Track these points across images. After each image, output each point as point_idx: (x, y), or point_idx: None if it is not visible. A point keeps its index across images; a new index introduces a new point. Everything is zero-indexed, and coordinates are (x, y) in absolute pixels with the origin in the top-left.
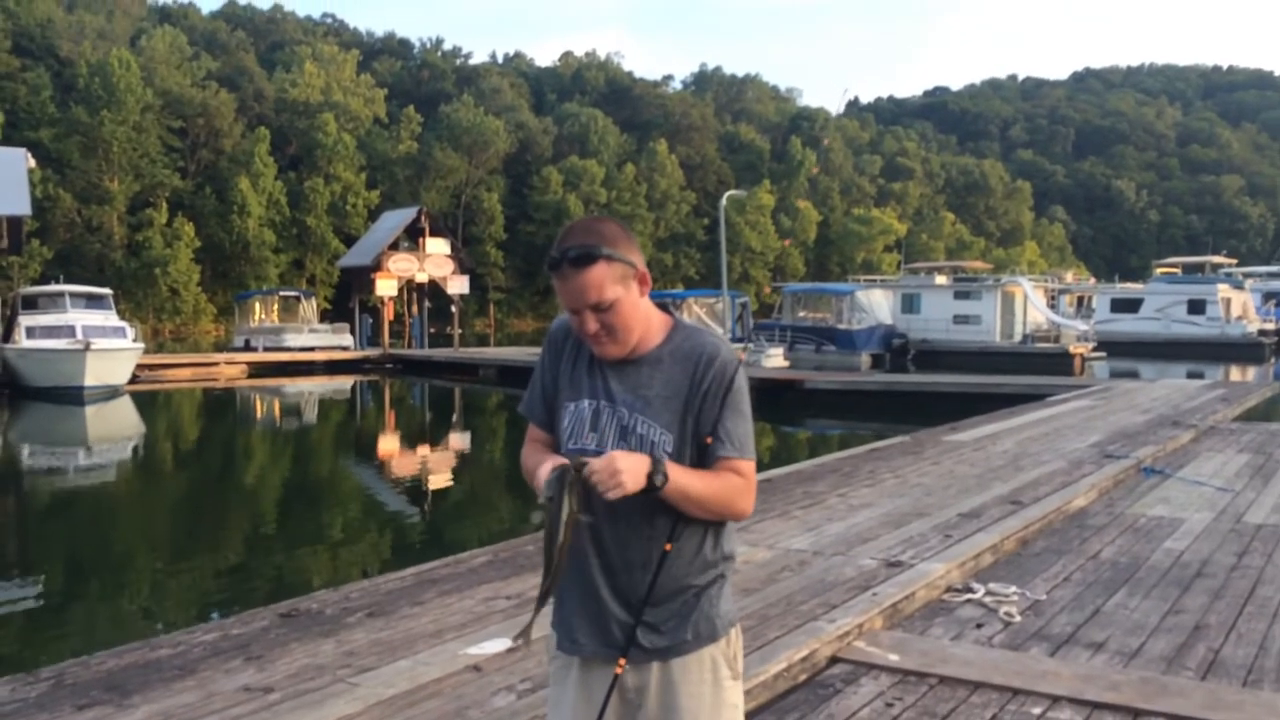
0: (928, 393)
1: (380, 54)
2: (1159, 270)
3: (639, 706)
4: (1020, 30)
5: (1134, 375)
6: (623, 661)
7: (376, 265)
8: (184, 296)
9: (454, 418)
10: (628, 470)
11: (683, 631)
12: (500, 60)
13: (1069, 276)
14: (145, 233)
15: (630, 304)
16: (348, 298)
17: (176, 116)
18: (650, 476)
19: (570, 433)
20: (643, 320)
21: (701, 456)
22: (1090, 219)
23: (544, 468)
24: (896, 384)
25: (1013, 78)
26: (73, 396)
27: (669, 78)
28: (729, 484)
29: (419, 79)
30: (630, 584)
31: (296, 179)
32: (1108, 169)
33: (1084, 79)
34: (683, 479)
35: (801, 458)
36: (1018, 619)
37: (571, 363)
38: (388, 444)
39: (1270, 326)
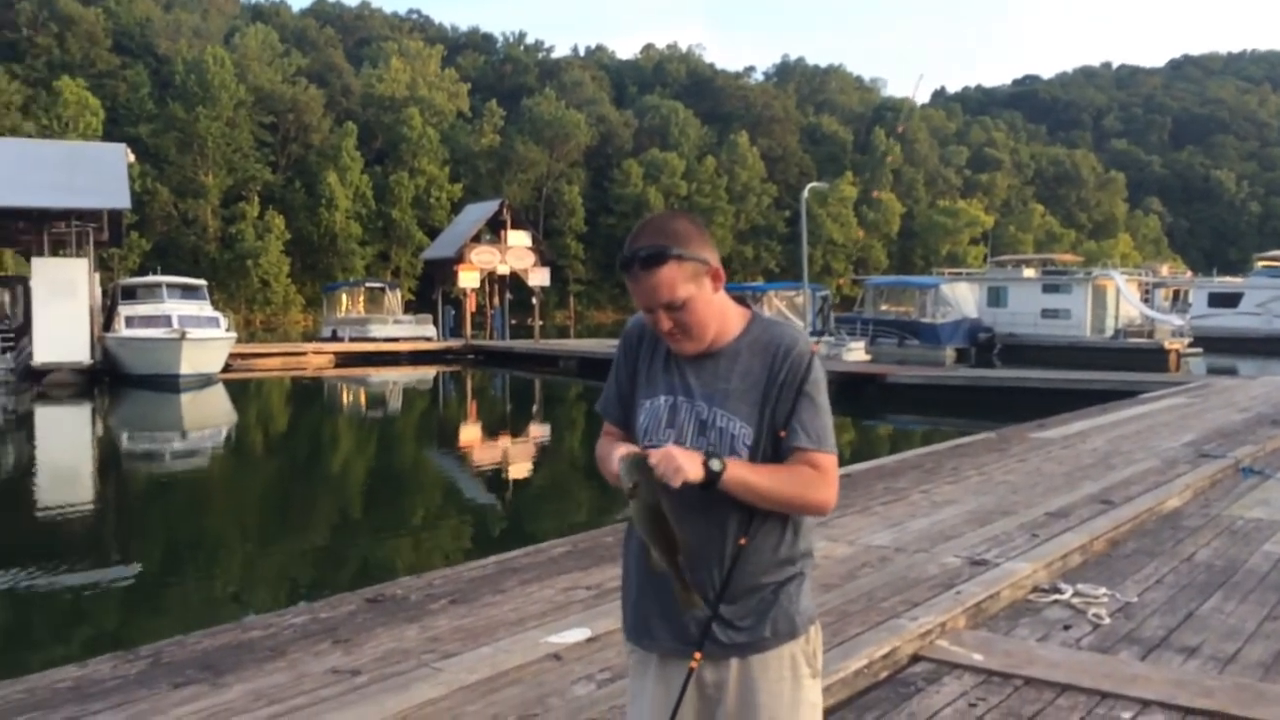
0: (1014, 388)
1: (464, 49)
2: (1260, 264)
3: (718, 702)
4: (1115, 16)
5: (1232, 372)
6: (698, 655)
7: (459, 257)
8: (274, 287)
9: (534, 408)
10: (684, 456)
11: (761, 628)
12: (582, 53)
13: (1164, 270)
14: (238, 225)
15: (704, 301)
16: (431, 289)
17: (268, 112)
18: (705, 465)
19: (647, 429)
20: (718, 315)
21: (778, 449)
22: (1187, 210)
23: (616, 454)
24: (981, 379)
25: (1107, 65)
26: (169, 384)
27: (750, 69)
28: (800, 476)
29: (502, 73)
30: (705, 579)
31: (382, 173)
32: (1206, 159)
33: (1182, 66)
34: (742, 470)
35: (883, 453)
36: (1107, 621)
37: (648, 360)
38: (469, 434)
39: None
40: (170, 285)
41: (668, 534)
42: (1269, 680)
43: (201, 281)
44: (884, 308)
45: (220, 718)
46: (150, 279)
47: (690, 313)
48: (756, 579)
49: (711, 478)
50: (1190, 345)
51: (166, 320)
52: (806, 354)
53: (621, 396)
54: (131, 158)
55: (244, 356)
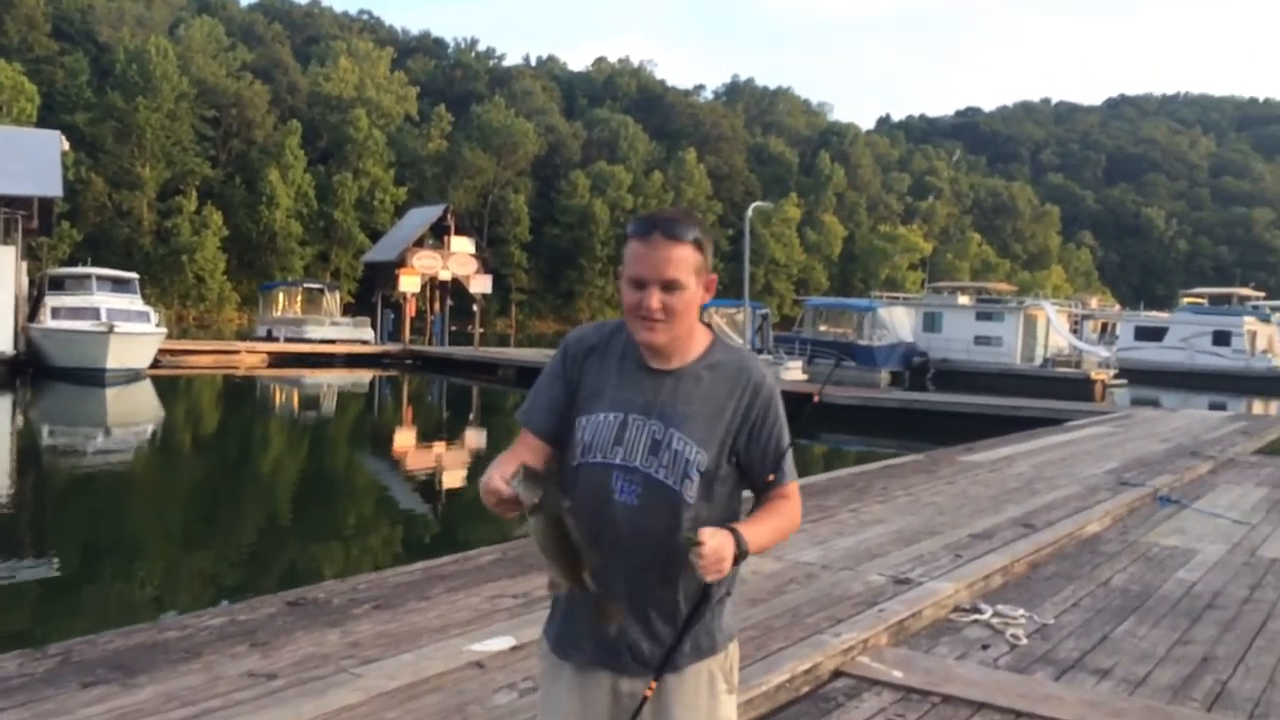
0: (945, 412)
1: (414, 52)
2: (1185, 300)
3: (631, 713)
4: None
5: (1155, 404)
6: (654, 685)
7: (401, 261)
8: (209, 284)
9: (471, 416)
10: (727, 546)
11: (682, 644)
12: (533, 63)
13: (1094, 302)
14: (174, 220)
15: (693, 297)
16: (371, 292)
17: (210, 106)
18: (736, 554)
19: (591, 446)
20: (692, 322)
21: (742, 477)
22: (1118, 246)
23: (501, 470)
24: (914, 402)
25: (1046, 101)
26: (94, 378)
27: (700, 87)
28: (788, 517)
29: (452, 78)
30: (652, 606)
31: (326, 173)
32: (1138, 196)
33: (1118, 105)
34: (759, 539)
35: (815, 471)
36: (1024, 642)
37: (596, 373)
38: (404, 439)
39: None
40: (100, 277)
41: (573, 548)
42: (1177, 703)
43: (133, 275)
44: (822, 328)
45: (130, 719)
46: (79, 270)
47: (681, 300)
48: (705, 609)
49: (739, 559)
50: (1116, 376)
51: (94, 313)
52: (773, 387)
53: (555, 406)
54: (66, 145)
55: (174, 353)
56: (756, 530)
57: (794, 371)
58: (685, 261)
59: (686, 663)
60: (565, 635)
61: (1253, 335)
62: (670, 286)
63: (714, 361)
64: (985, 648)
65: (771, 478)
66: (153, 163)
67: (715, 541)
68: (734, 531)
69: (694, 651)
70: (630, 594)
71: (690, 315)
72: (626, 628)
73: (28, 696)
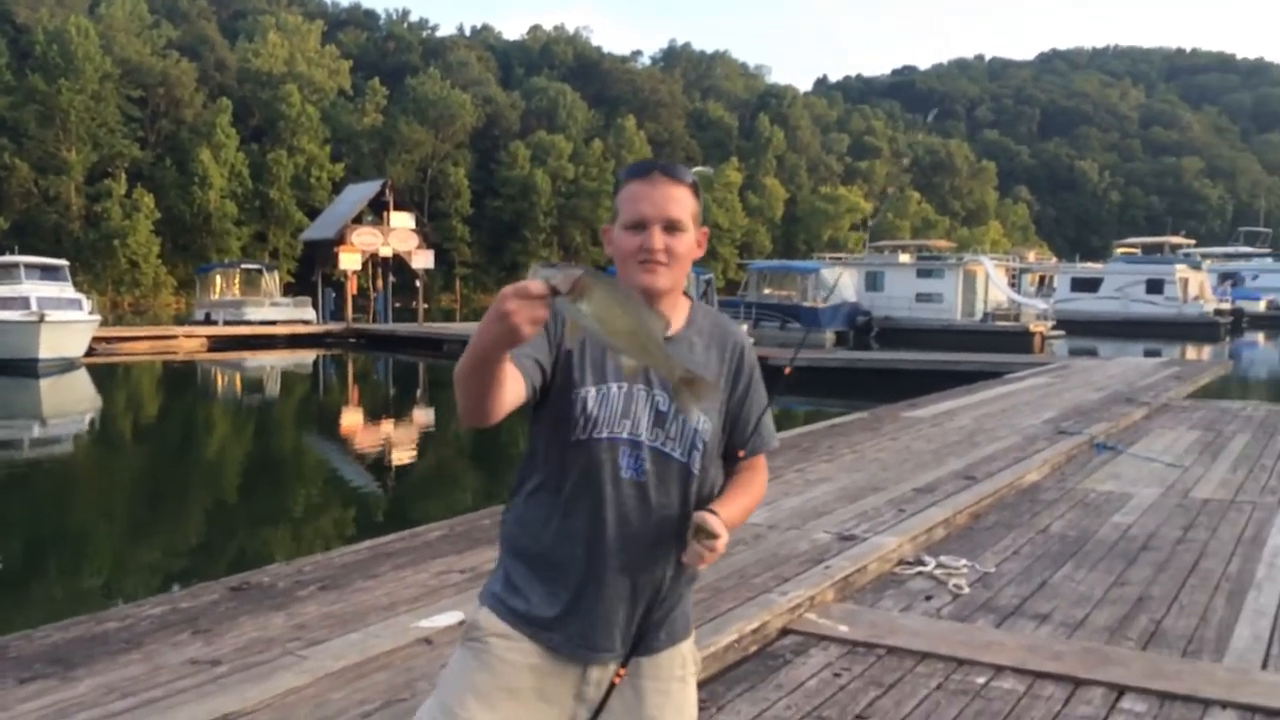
0: (889, 370)
1: (345, 25)
2: (1119, 250)
3: (595, 702)
4: (988, 10)
5: (1092, 353)
6: (622, 671)
7: (340, 239)
8: (143, 269)
9: (418, 393)
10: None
11: (660, 629)
12: (467, 33)
13: (1031, 256)
14: (104, 204)
15: (692, 244)
16: (311, 271)
17: (136, 86)
18: None
19: (598, 420)
20: (686, 273)
21: (734, 446)
22: (1054, 199)
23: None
24: (859, 361)
25: (980, 58)
26: (27, 369)
27: (638, 53)
28: (755, 489)
29: (384, 51)
30: (642, 582)
31: (259, 151)
32: (1072, 150)
33: (1050, 60)
34: (733, 522)
35: None
36: (966, 591)
37: (582, 343)
38: (350, 419)
39: (1225, 307)
40: (29, 265)
41: (643, 308)
42: (1114, 643)
43: (63, 262)
44: (767, 291)
45: (69, 712)
46: (7, 259)
47: (683, 242)
48: (682, 588)
49: None
50: (1053, 328)
51: (24, 302)
52: (753, 349)
53: (541, 354)
54: None
55: (109, 340)
56: (732, 512)
57: None
58: (686, 202)
59: (662, 646)
60: (538, 611)
61: (1184, 283)
62: (673, 227)
63: (700, 327)
64: (929, 599)
65: (744, 452)
66: (79, 146)
67: (727, 535)
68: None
69: (669, 636)
70: (627, 576)
71: (687, 264)
72: (616, 610)
73: None
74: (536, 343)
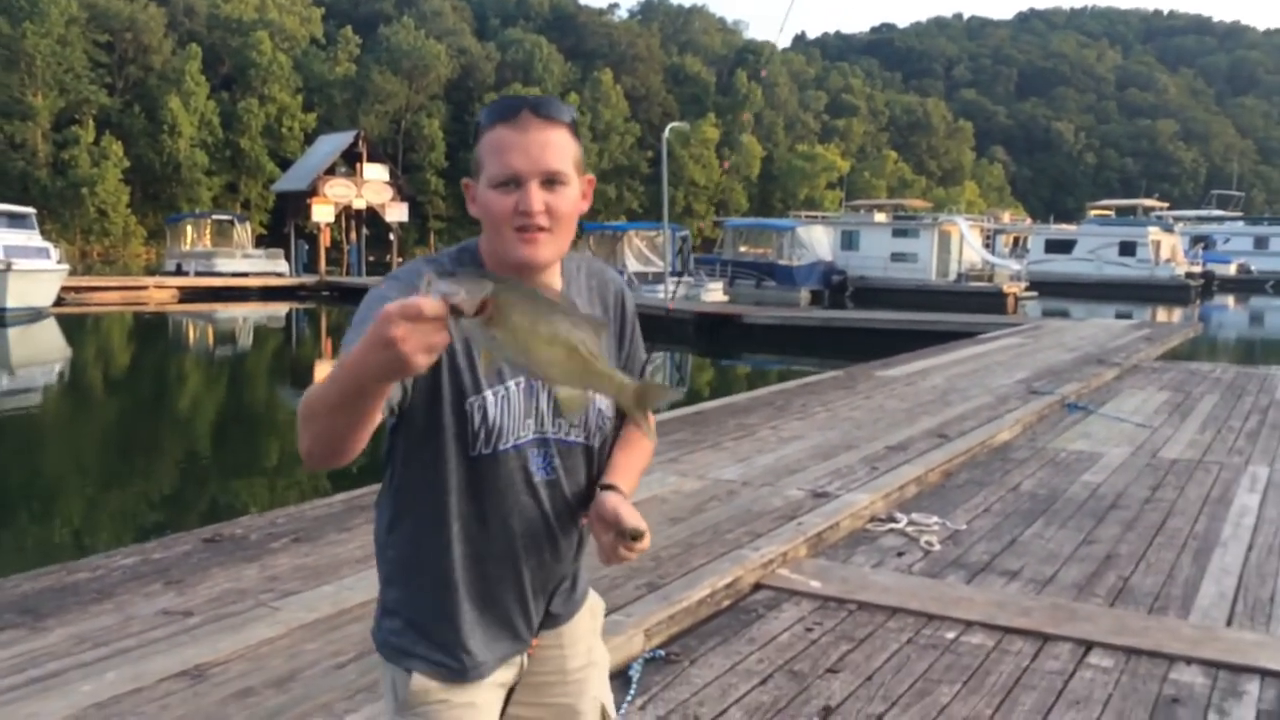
0: (864, 329)
1: None
2: (1092, 212)
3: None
4: None
5: (1065, 315)
6: (536, 643)
7: (313, 190)
8: (113, 218)
9: None
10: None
11: (569, 601)
12: None
13: (1006, 217)
14: (71, 151)
15: (576, 202)
16: (283, 223)
17: (103, 30)
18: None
19: (500, 430)
20: (572, 234)
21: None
22: (1030, 160)
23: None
24: (834, 320)
25: (958, 16)
26: None
27: (615, 6)
28: (648, 453)
29: None
30: (554, 573)
31: (230, 99)
32: (1048, 111)
33: (1028, 19)
34: (633, 485)
35: (738, 391)
36: (937, 548)
37: (463, 345)
38: (324, 371)
39: (1197, 269)
40: None
41: (571, 319)
42: (1081, 600)
43: (29, 210)
44: (743, 249)
45: (39, 662)
46: None
47: (567, 200)
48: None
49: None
50: (1027, 289)
51: None
52: (630, 293)
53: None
54: None
55: (79, 290)
56: (631, 482)
57: (715, 293)
58: (566, 147)
59: (574, 612)
60: (463, 652)
61: (1156, 245)
62: (553, 180)
63: (578, 283)
64: (900, 555)
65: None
66: (45, 91)
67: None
68: (620, 493)
69: (576, 602)
70: (540, 573)
71: (573, 223)
72: (532, 607)
73: None
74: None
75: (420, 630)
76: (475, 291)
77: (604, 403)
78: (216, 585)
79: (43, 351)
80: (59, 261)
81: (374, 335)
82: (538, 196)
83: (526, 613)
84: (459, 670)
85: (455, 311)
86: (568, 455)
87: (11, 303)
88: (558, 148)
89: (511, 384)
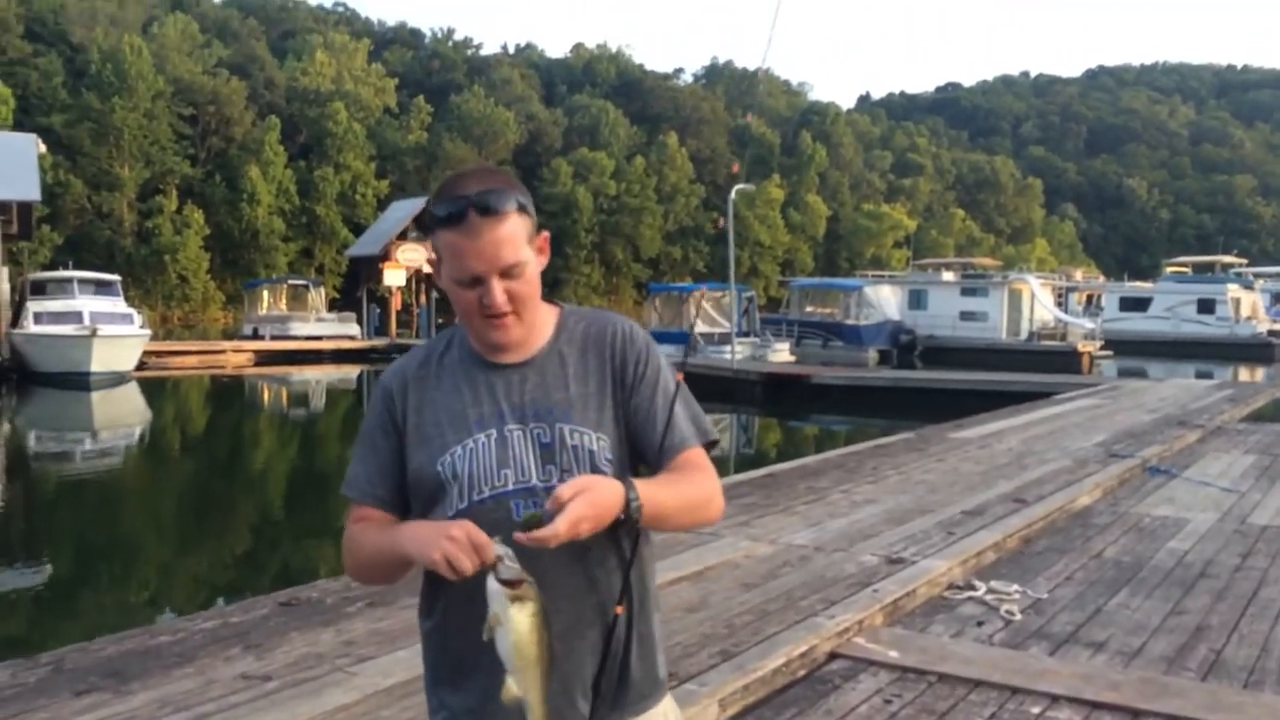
0: (934, 389)
1: (391, 43)
2: (1169, 269)
3: None
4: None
5: (1142, 374)
6: None
7: (385, 255)
8: (193, 284)
9: None
10: (602, 503)
11: (628, 684)
12: (511, 51)
13: (1078, 274)
14: (155, 220)
15: (535, 271)
16: (356, 287)
17: (187, 104)
18: (625, 508)
19: (473, 480)
20: (539, 301)
21: (641, 458)
22: (1101, 217)
23: (446, 543)
24: (903, 380)
25: (1025, 74)
26: (79, 382)
27: (680, 70)
28: (699, 484)
29: (430, 69)
30: (589, 637)
31: (306, 168)
32: (1120, 167)
33: (1097, 76)
34: (658, 495)
35: (807, 453)
36: (1019, 617)
37: (433, 403)
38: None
39: (1279, 327)
40: (82, 281)
41: (551, 652)
42: (1172, 673)
43: (115, 277)
44: (809, 309)
45: None
46: (61, 274)
47: (526, 282)
48: (638, 650)
49: (632, 517)
50: (1101, 348)
51: (77, 316)
52: (645, 334)
53: (383, 467)
54: (43, 148)
55: (159, 354)
56: (658, 487)
57: (782, 353)
58: (517, 236)
59: (636, 706)
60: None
61: (1236, 302)
62: (511, 272)
63: (572, 334)
64: (980, 624)
65: (661, 452)
66: (131, 163)
67: (573, 484)
68: (623, 479)
69: (640, 694)
70: (560, 641)
71: (537, 294)
72: (566, 679)
73: (21, 707)
74: (384, 441)
75: (444, 706)
76: (521, 574)
77: (591, 443)
78: (294, 649)
79: (125, 414)
80: (141, 327)
81: (437, 529)
82: (499, 289)
83: (577, 689)
84: None
85: (493, 570)
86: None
87: (96, 367)
88: (509, 241)
89: (482, 436)
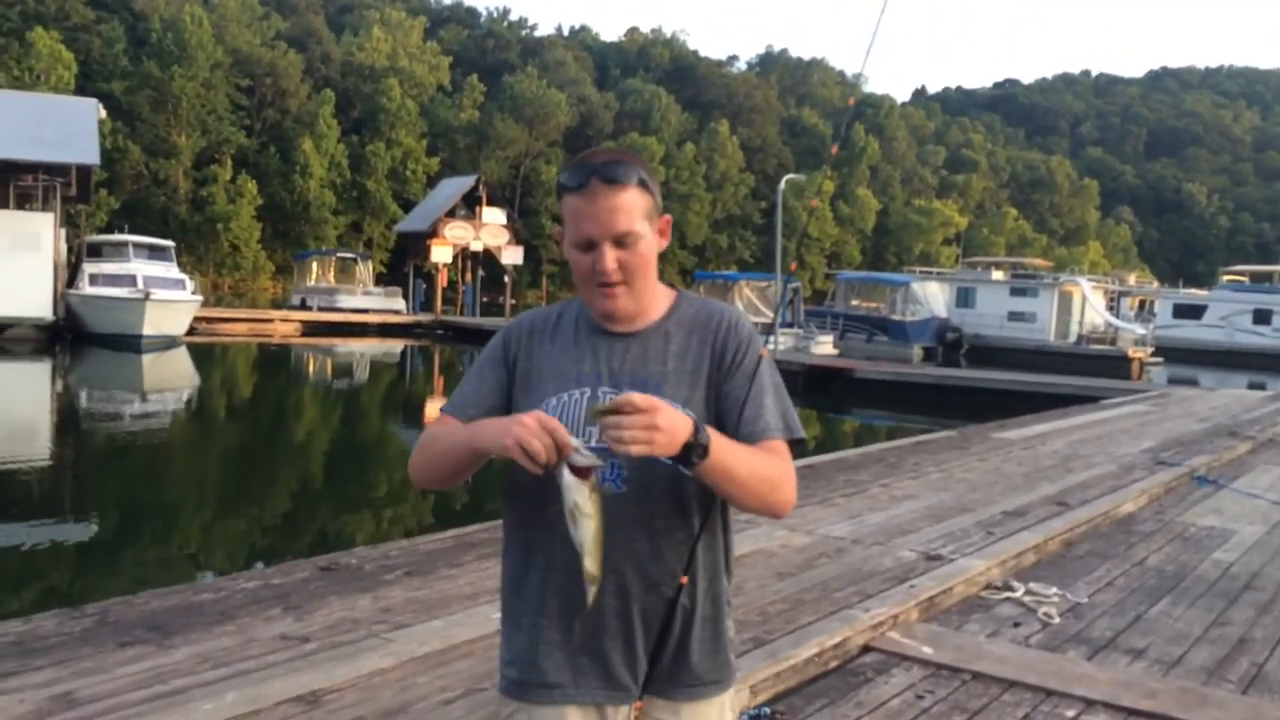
0: (978, 389)
1: (447, 21)
2: (1225, 277)
3: None
4: (1096, 25)
5: (1193, 383)
6: (640, 704)
7: (433, 231)
8: (244, 253)
9: None
10: (667, 426)
11: (685, 665)
12: (565, 33)
13: (1131, 279)
14: (209, 188)
15: (651, 247)
16: (403, 262)
17: (245, 75)
18: (688, 446)
19: None
20: (654, 277)
21: (727, 431)
22: (1158, 222)
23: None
24: (947, 378)
25: (1086, 73)
26: (131, 344)
27: (734, 58)
28: (775, 465)
29: (484, 48)
30: (648, 605)
31: (359, 142)
32: (1179, 171)
33: (1160, 78)
34: (728, 451)
35: (846, 446)
36: (1057, 620)
37: (546, 353)
38: (435, 409)
39: None
40: (137, 245)
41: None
42: (1213, 684)
43: (169, 243)
44: (854, 303)
45: (165, 678)
46: (117, 237)
47: (639, 255)
48: (701, 609)
49: (694, 452)
50: (1152, 355)
51: (131, 280)
52: (751, 328)
53: (482, 393)
54: (103, 114)
55: (209, 320)
56: (734, 446)
57: (825, 346)
58: (634, 207)
59: (693, 689)
60: (539, 669)
61: None
62: (624, 240)
63: (682, 316)
64: (1017, 625)
65: (742, 418)
66: (188, 131)
67: (647, 397)
68: (697, 424)
69: (699, 677)
70: (621, 601)
71: (652, 269)
72: (619, 641)
73: (66, 655)
74: (492, 371)
75: (507, 652)
76: (594, 464)
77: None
78: (332, 613)
79: (173, 378)
80: (193, 293)
81: (510, 421)
82: (610, 257)
83: (612, 647)
84: (520, 684)
85: (566, 460)
86: (642, 470)
87: (148, 330)
88: (626, 210)
89: (576, 392)
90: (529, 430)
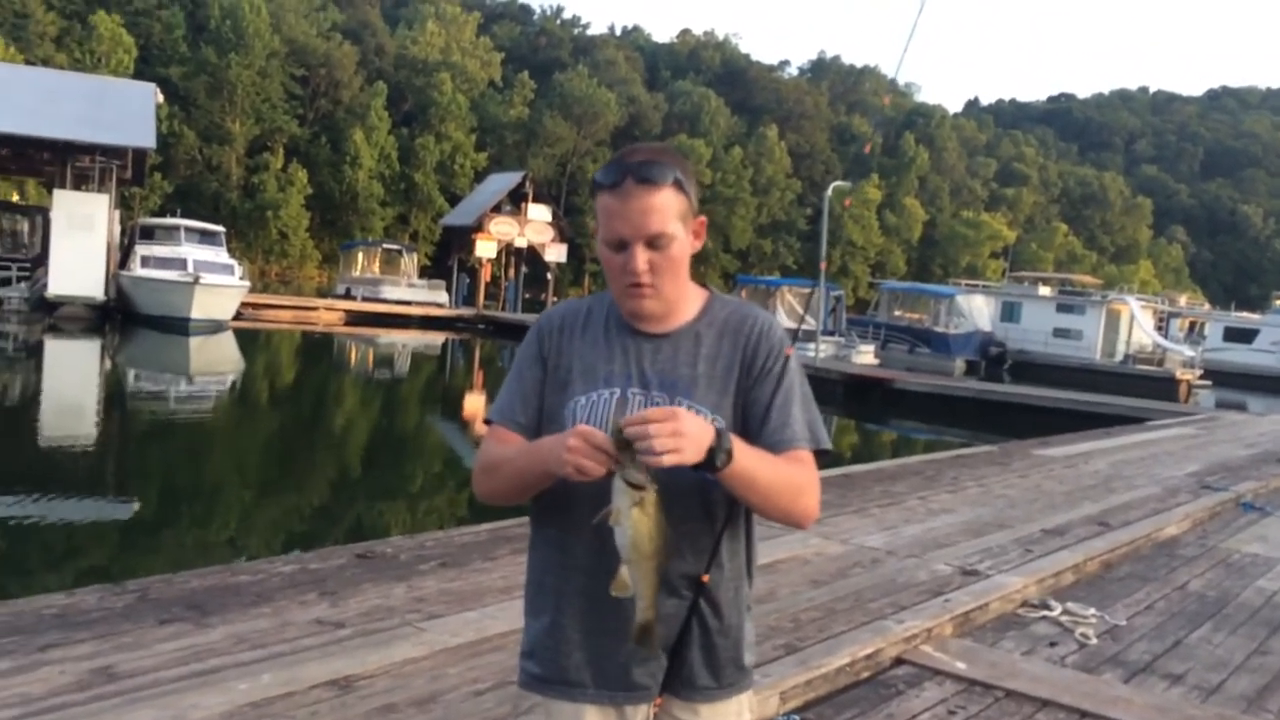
0: (1021, 405)
1: (500, 18)
2: (1279, 302)
3: None
4: (1155, 42)
5: (1241, 407)
6: (659, 700)
7: (478, 226)
8: (292, 241)
9: None
10: (692, 433)
11: (705, 666)
12: (618, 33)
13: (1182, 300)
14: (260, 175)
15: (684, 249)
16: (447, 255)
17: (300, 65)
18: (711, 451)
19: None
20: (686, 278)
21: (750, 436)
22: (1212, 243)
23: (576, 439)
24: (989, 393)
25: (1143, 90)
26: (179, 327)
27: (785, 63)
28: (799, 473)
29: (536, 45)
30: (669, 606)
31: (408, 135)
32: (1235, 192)
33: (1219, 97)
34: (750, 458)
35: (884, 457)
36: (1094, 641)
37: (577, 351)
38: (474, 403)
39: None
40: (189, 229)
41: (668, 543)
42: (1252, 713)
43: (220, 228)
44: (898, 313)
45: (202, 657)
46: (169, 221)
47: (670, 257)
48: (722, 616)
49: (716, 460)
50: (1201, 377)
51: (182, 263)
52: (782, 334)
53: (526, 395)
54: (160, 98)
55: (256, 306)
56: (757, 454)
57: (866, 355)
58: (668, 208)
59: (710, 691)
60: (561, 667)
61: None
62: (656, 242)
63: (714, 318)
64: (1053, 645)
65: (765, 425)
66: (242, 119)
67: (667, 409)
68: (719, 431)
69: (718, 678)
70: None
71: (683, 271)
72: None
73: (106, 629)
74: (531, 371)
75: (528, 647)
76: (646, 474)
77: (702, 408)
78: (367, 600)
79: (219, 361)
80: (241, 278)
81: (557, 441)
82: (641, 258)
83: (633, 648)
84: (540, 679)
85: (621, 467)
86: (670, 473)
87: (196, 314)
88: (659, 211)
89: (606, 391)
90: (579, 452)
